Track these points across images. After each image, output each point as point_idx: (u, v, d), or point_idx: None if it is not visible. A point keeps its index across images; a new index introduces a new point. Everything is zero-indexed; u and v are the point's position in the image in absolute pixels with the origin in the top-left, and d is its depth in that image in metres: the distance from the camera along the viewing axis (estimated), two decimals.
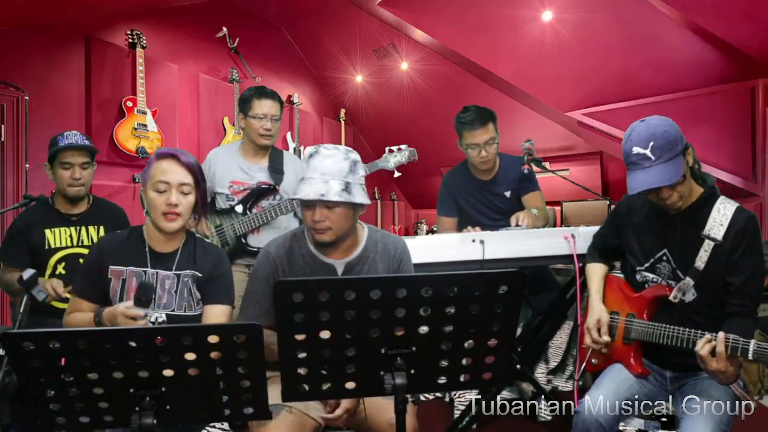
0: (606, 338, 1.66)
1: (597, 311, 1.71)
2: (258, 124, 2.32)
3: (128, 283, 1.51)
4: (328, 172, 1.42)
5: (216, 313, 1.56)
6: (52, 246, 2.09)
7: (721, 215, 1.51)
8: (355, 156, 1.49)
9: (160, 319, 1.52)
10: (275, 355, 1.08)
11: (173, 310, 1.53)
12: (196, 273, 1.55)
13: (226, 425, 2.32)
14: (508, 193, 2.53)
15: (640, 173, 1.49)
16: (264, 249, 1.60)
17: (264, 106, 2.32)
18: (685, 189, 1.51)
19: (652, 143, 1.46)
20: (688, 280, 1.54)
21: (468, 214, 2.56)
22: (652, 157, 1.46)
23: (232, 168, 2.37)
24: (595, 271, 1.83)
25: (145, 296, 1.37)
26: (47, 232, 2.09)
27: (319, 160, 1.43)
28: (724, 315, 1.52)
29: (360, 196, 1.45)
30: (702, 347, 1.37)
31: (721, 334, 1.36)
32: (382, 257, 1.57)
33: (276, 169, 2.39)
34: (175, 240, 1.56)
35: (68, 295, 1.75)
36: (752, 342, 1.30)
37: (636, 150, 1.48)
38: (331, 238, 1.46)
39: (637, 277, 1.68)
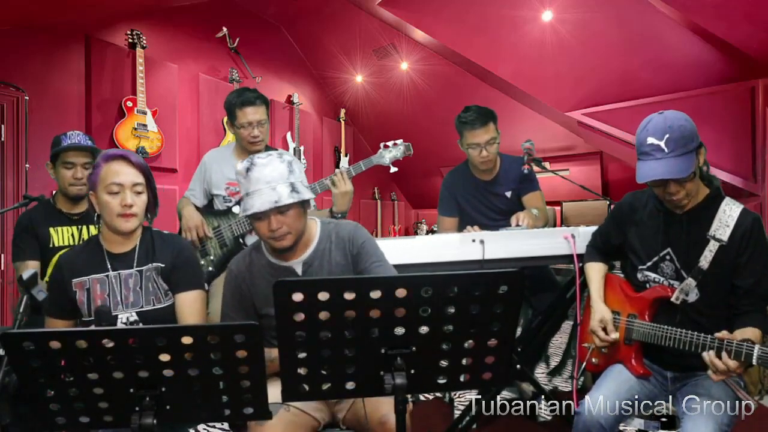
0: (614, 335, 1.65)
1: (599, 311, 1.70)
2: (245, 132, 2.30)
3: (93, 291, 1.52)
4: (271, 179, 1.42)
5: (190, 300, 1.57)
6: (55, 245, 2.10)
7: (727, 216, 1.50)
8: (288, 156, 1.52)
9: (131, 319, 1.52)
10: (275, 368, 1.08)
11: (142, 307, 1.54)
12: (159, 264, 1.56)
13: (226, 425, 2.32)
14: (508, 194, 2.53)
15: (651, 162, 1.48)
16: (228, 267, 1.62)
17: (248, 115, 2.27)
18: (693, 187, 1.51)
19: (667, 135, 1.46)
20: (691, 281, 1.53)
21: (468, 214, 2.56)
22: (666, 149, 1.46)
23: (227, 169, 2.37)
24: (595, 271, 1.82)
25: (105, 321, 1.39)
26: (51, 230, 2.10)
27: (259, 171, 1.44)
28: (734, 315, 1.52)
29: (306, 192, 1.47)
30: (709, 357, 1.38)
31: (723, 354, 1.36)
32: (338, 246, 1.56)
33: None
34: (132, 238, 1.57)
35: None
36: (756, 347, 1.30)
37: (650, 140, 1.48)
38: (291, 242, 1.47)
39: (639, 276, 1.68)
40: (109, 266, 1.54)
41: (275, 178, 1.43)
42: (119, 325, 1.50)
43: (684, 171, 1.45)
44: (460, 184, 2.59)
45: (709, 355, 1.39)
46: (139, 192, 1.51)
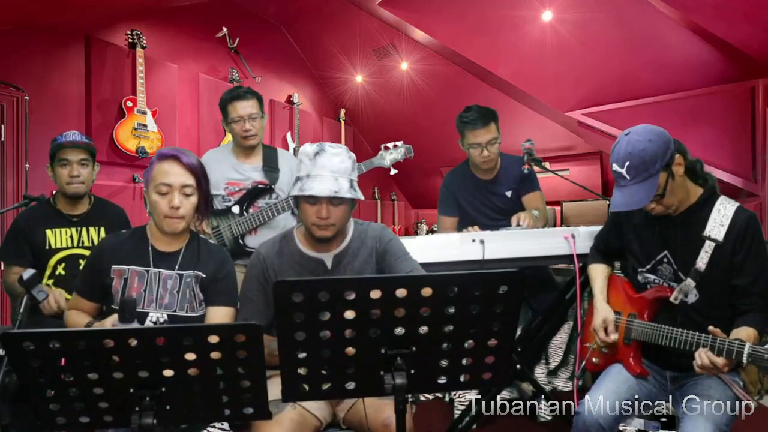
0: (614, 336, 1.66)
1: (602, 311, 1.70)
2: (237, 127, 2.32)
3: (130, 281, 1.51)
4: (337, 170, 1.45)
5: (220, 315, 1.56)
6: (53, 246, 2.09)
7: (722, 216, 1.50)
8: (353, 155, 1.55)
9: (161, 320, 1.51)
10: (276, 360, 1.08)
11: (175, 311, 1.53)
12: (200, 273, 1.55)
13: (226, 425, 2.32)
14: (509, 193, 2.53)
15: (617, 192, 1.53)
16: (255, 251, 1.62)
17: (238, 109, 2.31)
18: (673, 199, 1.52)
19: (627, 163, 1.47)
20: (689, 281, 1.53)
21: (468, 214, 2.56)
22: (627, 177, 1.49)
23: (226, 169, 2.37)
24: (598, 272, 1.83)
25: (128, 312, 1.37)
26: (48, 232, 2.09)
27: (327, 158, 1.45)
28: (734, 315, 1.51)
29: (360, 193, 1.51)
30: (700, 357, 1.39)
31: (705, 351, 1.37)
32: (366, 245, 1.60)
33: (270, 167, 2.39)
34: (179, 240, 1.56)
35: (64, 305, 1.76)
36: (747, 345, 1.30)
37: (615, 167, 1.52)
38: (333, 233, 1.50)
39: (639, 278, 1.68)
40: (152, 262, 1.53)
41: (341, 170, 1.45)
42: (147, 323, 1.49)
43: (642, 201, 1.47)
44: (460, 183, 2.59)
45: (702, 353, 1.40)
46: (187, 194, 1.50)
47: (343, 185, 1.44)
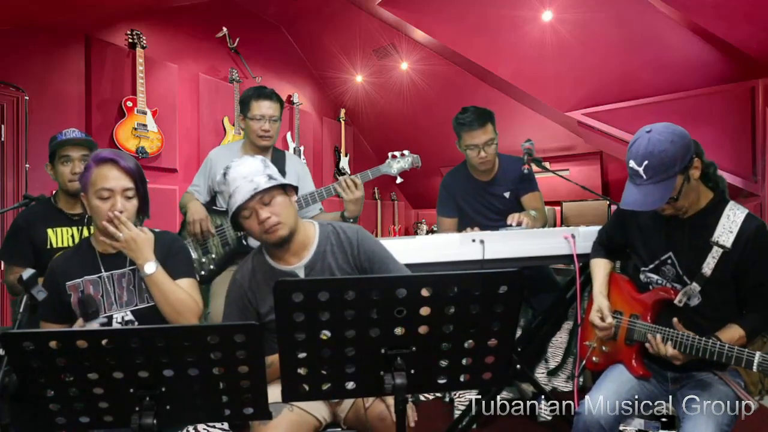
0: (609, 320, 1.66)
1: (597, 302, 1.71)
2: (256, 125, 2.33)
3: (86, 292, 1.53)
4: (247, 173, 1.46)
5: (185, 287, 1.56)
6: (54, 245, 2.09)
7: (731, 222, 1.49)
8: (261, 157, 1.57)
9: (126, 318, 1.53)
10: (276, 374, 1.08)
11: (136, 305, 1.54)
12: (155, 260, 1.55)
13: (226, 425, 2.32)
14: (507, 194, 2.53)
15: (632, 189, 1.51)
16: (232, 276, 1.62)
17: (262, 107, 2.32)
18: (685, 202, 1.50)
19: (646, 162, 1.45)
20: (695, 285, 1.53)
21: (467, 215, 2.56)
22: (644, 176, 1.46)
23: None
24: (600, 267, 1.83)
25: (90, 309, 1.39)
26: (49, 231, 2.09)
27: (235, 170, 1.48)
28: (741, 314, 1.52)
29: (284, 180, 1.50)
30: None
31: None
32: (339, 248, 1.56)
33: (278, 169, 2.39)
34: None
35: None
36: (757, 354, 1.31)
37: (632, 164, 1.49)
38: (287, 232, 1.48)
39: (641, 277, 1.68)
40: (102, 267, 1.55)
41: (251, 172, 1.46)
42: (114, 325, 1.50)
43: (657, 202, 1.45)
44: (459, 184, 2.59)
45: (654, 339, 1.50)
46: (129, 197, 1.51)
47: (260, 181, 1.45)
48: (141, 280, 1.55)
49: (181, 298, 1.50)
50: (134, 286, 1.55)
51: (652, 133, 1.46)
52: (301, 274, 1.54)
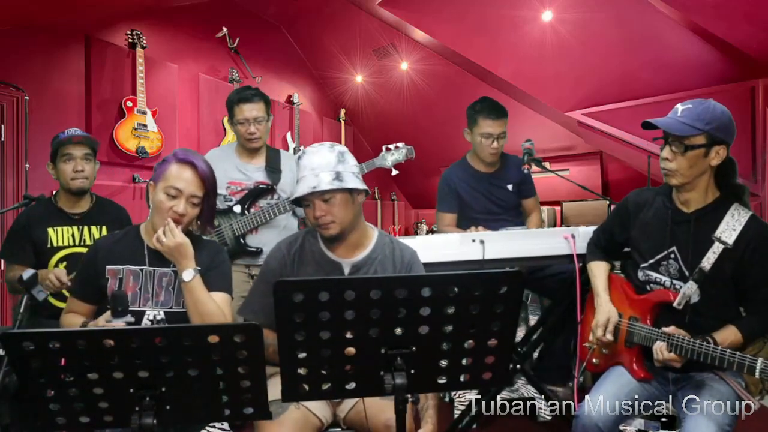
0: (609, 338, 1.65)
1: (607, 311, 1.69)
2: (242, 129, 2.33)
3: (125, 281, 1.51)
4: (316, 166, 1.45)
5: (218, 301, 1.54)
6: (54, 245, 2.09)
7: (735, 221, 1.50)
8: (341, 148, 1.52)
9: (158, 317, 1.52)
10: (276, 357, 1.08)
11: (171, 307, 1.53)
12: (197, 268, 1.55)
13: (226, 425, 2.32)
14: (510, 186, 2.55)
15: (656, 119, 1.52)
16: (276, 245, 1.61)
17: (244, 111, 2.31)
18: (687, 170, 1.49)
19: (690, 105, 1.48)
20: (692, 284, 1.53)
21: (469, 208, 2.55)
22: (678, 111, 1.49)
23: (229, 169, 2.37)
24: (600, 269, 1.81)
25: (120, 306, 1.37)
26: (50, 230, 2.09)
27: (307, 159, 1.47)
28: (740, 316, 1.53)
29: (353, 182, 1.46)
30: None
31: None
32: (390, 261, 1.56)
33: (273, 168, 2.40)
34: None
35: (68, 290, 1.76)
36: (759, 360, 1.32)
37: (678, 104, 1.51)
38: (337, 231, 1.47)
39: (640, 275, 1.67)
40: (147, 261, 1.54)
41: (321, 165, 1.44)
42: (145, 322, 1.49)
43: (674, 129, 1.46)
44: (460, 176, 2.58)
45: (660, 348, 1.49)
46: (194, 203, 1.51)
47: (324, 179, 1.42)
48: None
49: (210, 310, 1.48)
50: (173, 288, 1.54)
51: (714, 103, 1.50)
52: (347, 270, 1.54)
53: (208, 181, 1.53)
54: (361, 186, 1.48)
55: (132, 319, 1.42)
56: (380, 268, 1.55)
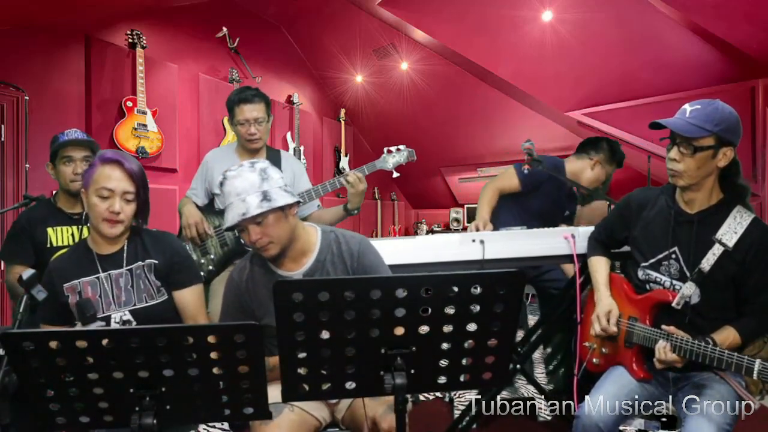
0: (613, 329, 1.65)
1: (608, 304, 1.70)
2: (242, 130, 2.33)
3: (84, 294, 1.53)
4: (241, 191, 1.41)
5: (195, 295, 1.60)
6: (54, 245, 2.09)
7: (737, 223, 1.50)
8: (262, 164, 1.48)
9: (124, 318, 1.53)
10: (276, 376, 1.08)
11: (134, 305, 1.54)
12: (152, 261, 1.57)
13: (226, 425, 2.32)
14: (567, 213, 2.72)
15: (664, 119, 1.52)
16: (229, 275, 1.61)
17: (245, 112, 2.30)
18: (693, 171, 1.49)
19: (698, 107, 1.48)
20: (691, 285, 1.53)
21: (537, 199, 2.59)
22: (687, 112, 1.49)
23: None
24: (600, 264, 1.82)
25: (88, 312, 1.38)
26: (50, 230, 2.09)
27: (230, 184, 1.43)
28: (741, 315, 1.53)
29: (282, 198, 1.42)
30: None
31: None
32: (340, 258, 1.54)
33: None
34: (120, 239, 1.57)
35: None
36: (757, 362, 1.32)
37: (685, 105, 1.51)
38: (277, 250, 1.46)
39: (640, 274, 1.67)
40: (99, 268, 1.55)
41: (245, 189, 1.41)
42: (113, 325, 1.50)
43: (681, 130, 1.46)
44: (559, 181, 2.59)
45: (663, 348, 1.48)
46: (128, 200, 1.51)
47: (251, 203, 1.39)
48: (139, 279, 1.55)
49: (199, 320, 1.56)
50: (132, 286, 1.55)
51: (722, 105, 1.49)
52: None
53: (137, 177, 1.53)
54: (291, 199, 1.45)
55: (103, 323, 1.45)
56: (332, 268, 1.53)
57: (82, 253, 1.59)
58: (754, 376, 1.32)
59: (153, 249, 1.59)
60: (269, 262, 1.54)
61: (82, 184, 2.10)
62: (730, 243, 1.48)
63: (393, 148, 2.32)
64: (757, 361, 1.31)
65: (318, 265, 1.54)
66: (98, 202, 1.48)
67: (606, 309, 1.68)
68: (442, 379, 1.13)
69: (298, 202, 1.50)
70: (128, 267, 1.55)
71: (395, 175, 2.32)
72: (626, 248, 1.79)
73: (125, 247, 1.58)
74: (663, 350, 1.48)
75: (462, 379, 1.14)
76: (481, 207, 2.45)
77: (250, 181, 1.42)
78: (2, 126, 3.27)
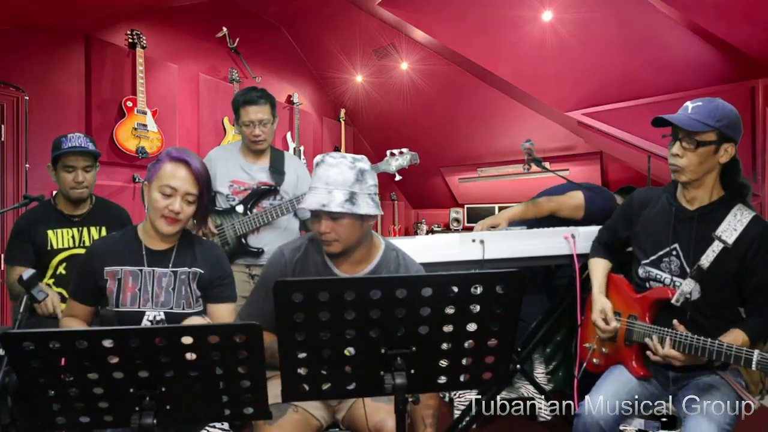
0: (614, 324, 1.66)
1: (599, 302, 1.71)
2: (247, 131, 2.33)
3: (124, 282, 1.51)
4: (332, 182, 1.38)
5: (222, 311, 1.58)
6: (54, 247, 2.09)
7: (737, 220, 1.50)
8: (363, 165, 1.43)
9: (158, 318, 1.52)
10: (273, 361, 1.08)
11: (171, 308, 1.53)
12: (198, 270, 1.56)
13: (226, 425, 2.32)
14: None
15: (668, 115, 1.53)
16: (278, 250, 1.58)
17: (250, 113, 2.30)
18: (695, 167, 1.50)
19: (700, 103, 1.48)
20: (690, 281, 1.53)
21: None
22: (689, 109, 1.50)
23: (233, 168, 2.37)
24: (599, 266, 1.83)
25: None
26: (50, 233, 2.09)
27: (324, 170, 1.40)
28: (741, 316, 1.52)
29: (366, 207, 1.39)
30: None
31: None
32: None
33: (277, 169, 2.39)
34: (171, 238, 1.56)
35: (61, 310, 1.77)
36: (756, 353, 1.31)
37: (687, 102, 1.52)
38: (339, 250, 1.44)
39: (640, 271, 1.68)
40: (145, 261, 1.53)
41: (336, 182, 1.38)
42: (144, 322, 1.50)
43: (687, 125, 1.47)
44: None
45: (653, 342, 1.51)
46: (189, 201, 1.50)
47: (336, 198, 1.36)
48: (182, 285, 1.54)
49: None
50: (173, 289, 1.54)
51: (723, 103, 1.51)
52: None
53: (202, 179, 1.52)
54: (373, 211, 1.41)
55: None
56: None
57: (130, 241, 1.56)
58: (753, 366, 1.31)
59: (202, 258, 1.57)
60: (327, 256, 1.52)
61: (88, 192, 2.12)
62: (730, 240, 1.49)
63: (396, 151, 2.32)
64: (756, 352, 1.31)
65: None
66: (159, 198, 1.47)
67: (599, 309, 1.70)
68: (442, 379, 1.13)
69: (377, 215, 1.46)
70: (174, 269, 1.54)
71: (398, 178, 2.33)
72: (628, 249, 1.79)
73: (175, 248, 1.57)
74: (653, 345, 1.52)
75: (462, 379, 1.14)
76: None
77: (345, 177, 1.39)
78: (2, 126, 3.27)
